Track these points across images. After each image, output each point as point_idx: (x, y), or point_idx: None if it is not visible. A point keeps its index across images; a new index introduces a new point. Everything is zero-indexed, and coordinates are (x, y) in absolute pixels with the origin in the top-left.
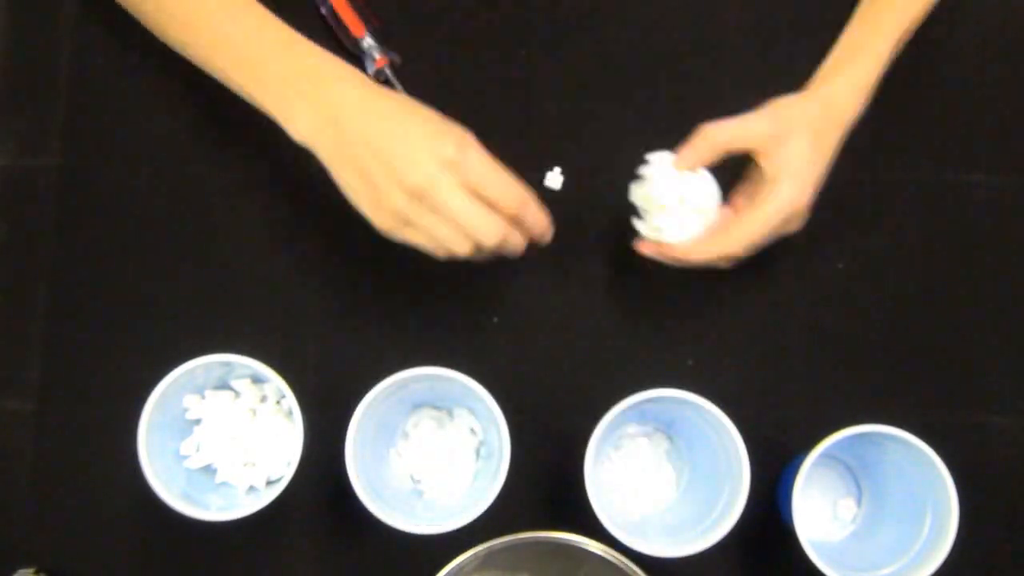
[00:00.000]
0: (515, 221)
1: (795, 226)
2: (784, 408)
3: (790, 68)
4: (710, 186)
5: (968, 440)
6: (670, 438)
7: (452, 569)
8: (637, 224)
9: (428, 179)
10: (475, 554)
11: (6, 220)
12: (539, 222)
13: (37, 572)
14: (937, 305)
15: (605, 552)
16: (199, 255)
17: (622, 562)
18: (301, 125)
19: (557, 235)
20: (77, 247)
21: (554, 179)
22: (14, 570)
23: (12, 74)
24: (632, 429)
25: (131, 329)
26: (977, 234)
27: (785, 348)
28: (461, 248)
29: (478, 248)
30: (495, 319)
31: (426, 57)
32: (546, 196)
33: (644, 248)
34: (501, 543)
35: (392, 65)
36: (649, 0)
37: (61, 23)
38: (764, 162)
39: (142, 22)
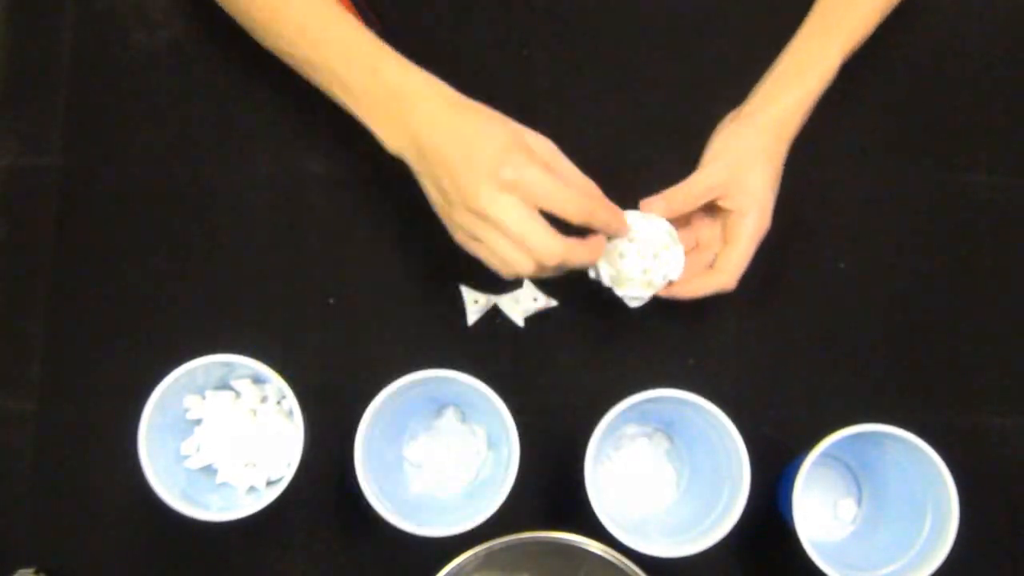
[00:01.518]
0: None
1: (761, 240)
2: (784, 408)
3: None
4: (656, 220)
5: (968, 440)
6: (670, 438)
7: (452, 569)
8: (626, 293)
9: (489, 201)
10: (475, 554)
11: (6, 220)
12: (611, 223)
13: (37, 572)
14: (937, 305)
15: (605, 552)
16: (199, 255)
17: (622, 562)
18: (389, 140)
19: None
20: (77, 247)
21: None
22: (14, 570)
23: (12, 74)
24: (632, 429)
25: (131, 329)
26: (977, 234)
27: (785, 348)
28: (523, 267)
29: (541, 267)
30: (497, 320)
31: (425, 56)
32: None
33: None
34: (501, 543)
35: None
36: None
37: (61, 23)
38: (728, 203)
39: (240, 24)
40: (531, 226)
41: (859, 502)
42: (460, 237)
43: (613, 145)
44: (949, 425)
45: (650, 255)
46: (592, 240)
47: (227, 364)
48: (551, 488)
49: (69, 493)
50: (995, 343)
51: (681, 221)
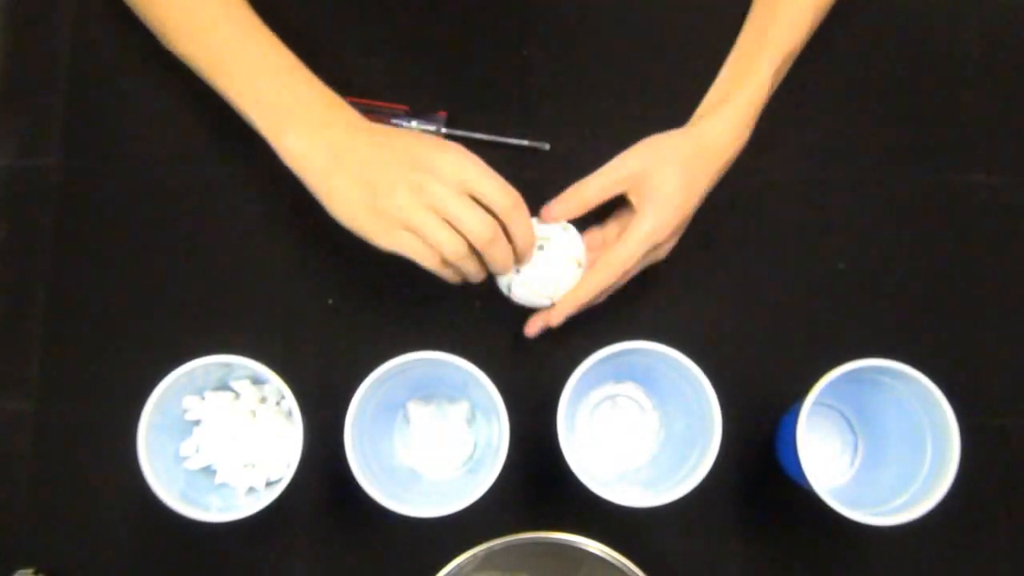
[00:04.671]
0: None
1: (661, 254)
2: (784, 409)
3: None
4: (573, 236)
5: (968, 440)
6: (649, 397)
7: (451, 569)
8: (508, 286)
9: (430, 169)
10: (474, 555)
11: (6, 220)
12: (526, 232)
13: (37, 572)
14: (937, 305)
15: (604, 552)
16: (199, 255)
17: (621, 562)
18: (293, 145)
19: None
20: (77, 247)
21: None
22: (14, 570)
23: (12, 74)
24: (610, 389)
25: (131, 329)
26: (977, 234)
27: (786, 348)
28: (453, 247)
29: (466, 253)
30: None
31: (423, 55)
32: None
33: (532, 329)
34: (500, 543)
35: (449, 120)
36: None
37: (61, 23)
38: (632, 197)
39: (149, 27)
40: (467, 201)
41: (855, 449)
42: (382, 227)
43: (612, 146)
44: None
45: (541, 263)
46: (516, 222)
47: (226, 364)
48: (550, 488)
49: (69, 493)
50: (995, 343)
51: (599, 217)
